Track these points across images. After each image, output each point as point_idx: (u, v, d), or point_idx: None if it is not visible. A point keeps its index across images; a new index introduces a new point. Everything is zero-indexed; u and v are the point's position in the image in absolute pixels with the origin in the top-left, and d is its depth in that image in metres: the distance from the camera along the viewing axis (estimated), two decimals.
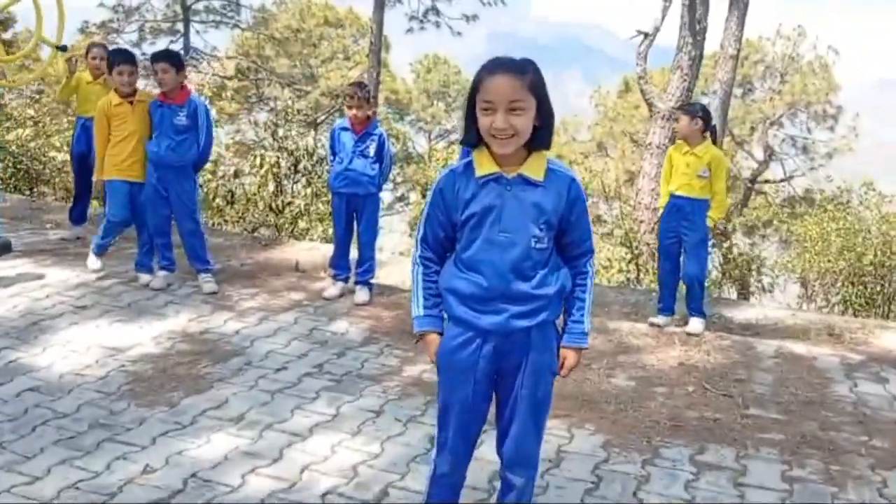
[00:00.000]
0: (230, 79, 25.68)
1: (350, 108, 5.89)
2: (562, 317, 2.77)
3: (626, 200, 12.76)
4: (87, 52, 7.50)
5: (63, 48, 7.33)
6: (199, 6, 27.28)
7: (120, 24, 27.31)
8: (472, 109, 2.56)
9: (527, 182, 2.58)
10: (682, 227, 5.82)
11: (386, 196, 26.28)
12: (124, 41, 27.61)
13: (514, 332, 2.63)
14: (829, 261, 10.28)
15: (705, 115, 5.79)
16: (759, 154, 27.72)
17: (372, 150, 5.98)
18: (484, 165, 2.59)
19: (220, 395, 4.34)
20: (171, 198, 6.05)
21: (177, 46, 27.11)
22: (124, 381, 4.48)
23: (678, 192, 5.82)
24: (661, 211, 6.04)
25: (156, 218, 6.12)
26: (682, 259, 5.95)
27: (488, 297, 2.61)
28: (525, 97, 2.47)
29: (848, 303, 10.34)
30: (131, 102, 5.98)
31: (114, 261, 6.70)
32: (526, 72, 2.49)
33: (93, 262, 6.28)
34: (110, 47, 7.45)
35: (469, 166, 2.64)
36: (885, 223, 10.05)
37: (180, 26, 27.25)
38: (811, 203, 17.51)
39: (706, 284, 5.97)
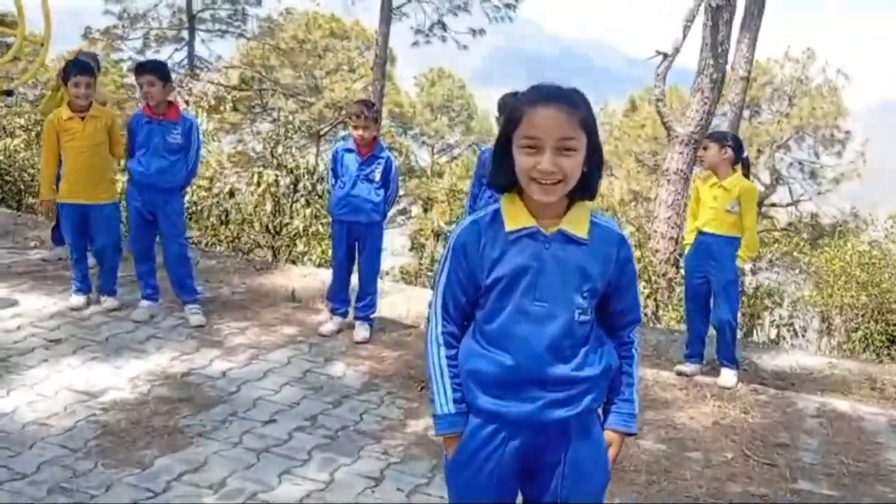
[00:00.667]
0: (234, 88, 25.28)
1: (356, 128, 5.39)
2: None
3: (639, 227, 12.24)
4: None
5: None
6: (206, 15, 26.93)
7: (124, 31, 26.96)
8: (506, 145, 2.07)
9: (569, 239, 2.09)
10: (711, 266, 5.32)
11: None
12: (128, 48, 27.29)
13: (549, 425, 2.12)
14: (851, 296, 9.76)
15: (736, 143, 5.29)
16: (766, 177, 27.30)
17: (378, 175, 5.48)
18: (516, 217, 2.10)
19: (199, 455, 3.81)
20: (158, 221, 5.54)
21: (181, 55, 26.76)
22: (93, 434, 3.96)
23: (706, 229, 5.32)
24: (687, 248, 5.53)
25: (141, 243, 5.62)
26: (710, 301, 5.44)
27: (518, 382, 2.10)
28: (577, 135, 2.00)
29: (869, 340, 9.84)
30: (83, 118, 5.47)
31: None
32: (578, 105, 2.02)
33: (75, 300, 5.74)
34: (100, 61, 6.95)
35: (497, 217, 2.14)
36: None
37: (185, 34, 26.90)
38: (829, 232, 16.96)
39: (738, 329, 5.45)
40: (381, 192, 5.53)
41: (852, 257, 10.26)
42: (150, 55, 25.59)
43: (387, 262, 15.11)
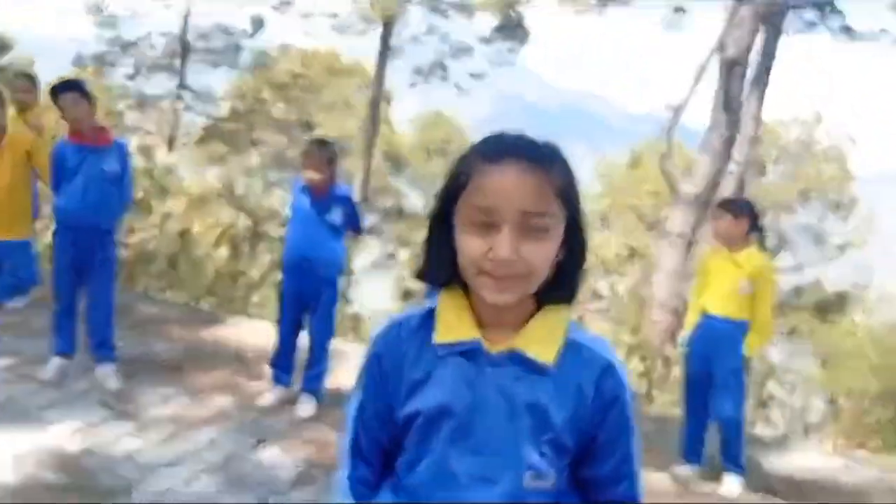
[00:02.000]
0: (224, 120, 24.66)
1: (306, 168, 4.64)
2: None
3: (634, 293, 11.47)
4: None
5: None
6: (199, 45, 26.42)
7: (116, 59, 26.42)
8: (444, 219, 1.38)
9: (523, 365, 1.38)
10: (715, 354, 4.51)
11: (375, 251, 25.21)
12: (119, 76, 26.72)
13: None
14: (864, 380, 8.99)
15: (752, 214, 4.54)
16: (771, 240, 26.74)
17: (337, 217, 4.70)
18: (451, 324, 1.41)
19: None
20: (89, 267, 4.73)
21: (172, 84, 26.18)
22: None
23: (712, 311, 4.53)
24: (688, 330, 4.74)
25: (68, 295, 4.78)
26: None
27: None
28: (551, 209, 1.33)
29: (880, 424, 9.05)
30: None
31: (9, 335, 5.39)
32: (552, 163, 1.33)
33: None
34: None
35: (428, 320, 1.43)
36: None
37: (178, 62, 26.36)
38: (834, 301, 16.25)
39: (743, 427, 4.65)
40: (341, 241, 4.77)
41: (863, 336, 9.51)
42: (139, 82, 25.03)
43: (370, 307, 14.33)
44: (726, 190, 10.39)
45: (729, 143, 9.63)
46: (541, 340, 1.39)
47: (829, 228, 25.93)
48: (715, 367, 4.53)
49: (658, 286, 9.54)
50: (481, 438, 1.37)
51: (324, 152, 4.59)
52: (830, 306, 15.23)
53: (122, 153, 4.74)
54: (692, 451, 4.67)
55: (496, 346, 1.38)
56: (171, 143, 10.51)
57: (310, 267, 4.70)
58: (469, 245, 1.32)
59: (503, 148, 1.33)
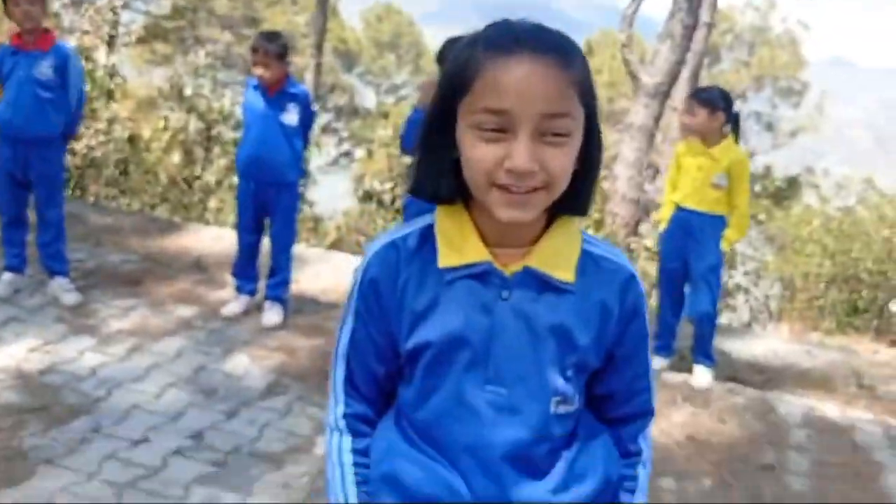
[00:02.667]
0: (166, 18, 23.62)
1: (255, 65, 4.38)
2: None
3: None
4: None
5: None
6: None
7: None
8: (444, 124, 1.21)
9: (542, 284, 1.25)
10: (691, 249, 4.49)
11: (330, 151, 24.79)
12: None
13: None
14: (818, 265, 9.16)
15: (728, 105, 4.43)
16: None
17: (293, 117, 4.49)
18: (457, 245, 1.26)
19: (41, 492, 2.92)
20: (32, 180, 4.49)
21: None
22: None
23: (686, 204, 4.47)
24: (662, 225, 4.71)
25: (10, 205, 4.55)
26: (685, 288, 4.66)
27: None
28: (573, 109, 1.16)
29: (834, 307, 9.29)
30: None
31: None
32: (573, 56, 1.17)
33: None
34: None
35: (428, 239, 1.29)
36: (887, 227, 8.92)
37: None
38: (785, 189, 16.43)
39: (717, 322, 4.67)
40: (298, 142, 4.58)
41: (821, 223, 9.64)
42: None
43: (329, 206, 14.17)
44: (681, 78, 10.26)
45: (689, 31, 9.43)
46: (558, 257, 1.26)
47: (781, 114, 26.14)
48: (693, 262, 4.50)
49: (619, 179, 9.49)
50: (502, 367, 1.25)
51: (273, 46, 4.31)
52: (783, 192, 15.41)
53: (60, 58, 4.43)
54: (664, 344, 4.70)
55: (509, 267, 1.25)
56: (111, 44, 9.99)
57: (266, 170, 4.51)
58: (478, 155, 1.15)
59: (516, 38, 1.15)
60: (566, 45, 1.17)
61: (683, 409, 4.22)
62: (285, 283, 4.75)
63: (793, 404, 4.46)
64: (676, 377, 4.57)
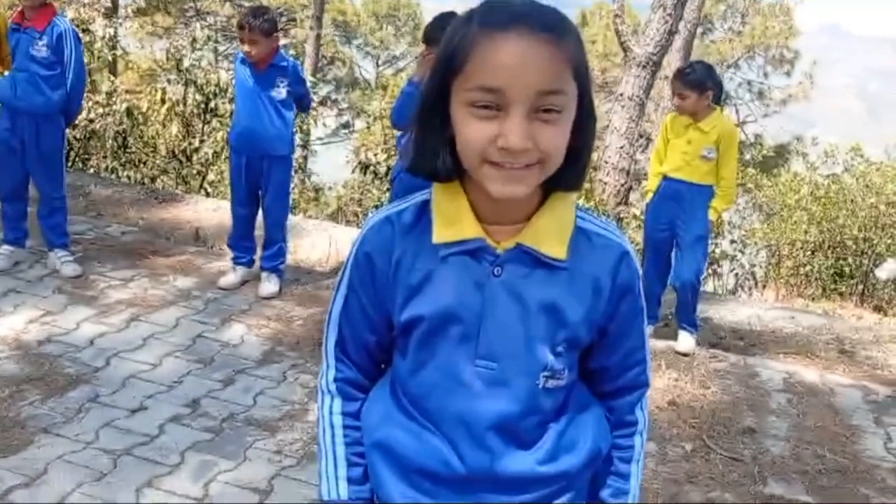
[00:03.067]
0: None
1: (242, 42, 4.45)
2: None
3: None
4: None
5: None
6: None
7: None
8: (439, 101, 1.23)
9: (534, 261, 1.28)
10: (678, 218, 4.58)
11: (329, 122, 24.75)
12: None
13: None
14: (805, 232, 9.25)
15: (714, 80, 4.49)
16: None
17: (283, 91, 4.57)
18: (452, 221, 1.29)
19: (38, 460, 3.03)
20: (28, 153, 4.58)
21: None
22: None
23: (675, 175, 4.55)
24: (649, 196, 4.79)
25: (8, 179, 4.64)
26: (673, 255, 4.76)
27: (455, 479, 1.33)
28: (566, 86, 1.18)
29: (818, 274, 9.41)
30: None
31: None
32: (567, 32, 1.19)
33: None
34: None
35: (423, 215, 1.32)
36: (873, 195, 9.01)
37: None
38: (773, 156, 16.48)
39: (700, 289, 4.78)
40: (290, 115, 4.65)
41: (808, 191, 9.72)
42: None
43: (330, 176, 14.19)
44: (674, 48, 10.27)
45: (681, 1, 9.44)
46: (551, 234, 1.28)
47: (773, 83, 26.09)
48: (680, 232, 4.58)
49: (610, 148, 9.55)
50: (492, 342, 1.28)
51: (259, 23, 4.37)
52: (772, 160, 15.45)
53: (53, 37, 4.49)
54: (650, 313, 4.78)
55: (502, 244, 1.27)
56: (110, 15, 9.99)
57: (256, 144, 4.61)
58: (472, 132, 1.17)
59: (511, 16, 1.15)
60: (560, 23, 1.18)
61: (666, 374, 4.33)
62: (281, 254, 4.84)
63: (774, 369, 4.58)
64: (660, 343, 4.68)
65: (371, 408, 1.41)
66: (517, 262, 1.27)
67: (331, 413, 1.41)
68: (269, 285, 4.79)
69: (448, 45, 1.20)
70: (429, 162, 1.25)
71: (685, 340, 4.65)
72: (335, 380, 1.42)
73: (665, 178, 4.60)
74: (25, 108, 4.49)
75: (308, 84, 4.90)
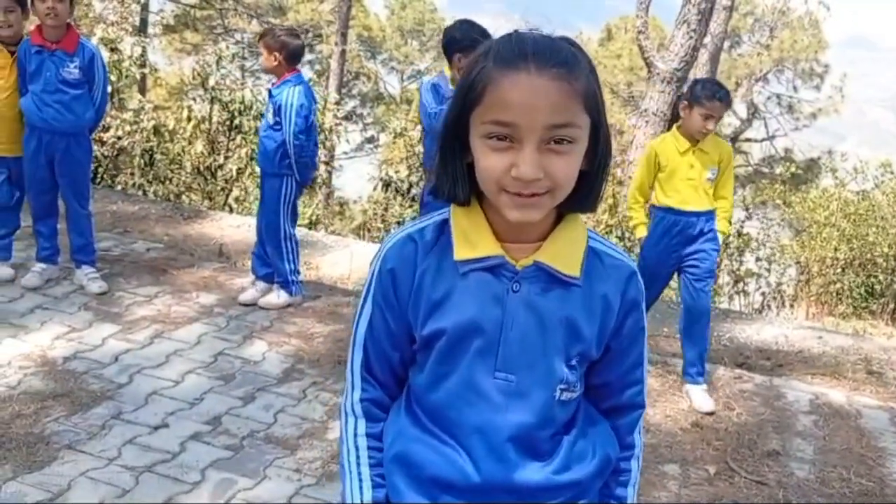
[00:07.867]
0: (194, 7, 23.76)
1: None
2: None
3: (610, 172, 11.43)
4: None
5: None
6: None
7: None
8: (459, 128, 1.30)
9: (550, 278, 1.35)
10: (686, 248, 4.18)
11: (355, 137, 24.90)
12: None
13: None
14: (835, 249, 9.14)
15: (727, 102, 4.10)
16: (743, 111, 26.63)
17: (273, 116, 4.67)
18: (471, 239, 1.35)
19: (61, 477, 3.06)
20: (59, 172, 4.63)
21: None
22: None
23: (686, 208, 4.13)
24: (641, 231, 4.34)
25: (40, 198, 4.71)
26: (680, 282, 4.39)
27: (472, 489, 1.37)
28: (577, 119, 1.25)
29: (849, 292, 9.29)
30: (12, 52, 4.56)
31: None
32: (578, 69, 1.24)
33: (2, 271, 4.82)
34: None
35: (443, 233, 1.38)
36: None
37: None
38: (803, 169, 16.31)
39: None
40: (276, 136, 4.60)
41: (834, 203, 9.61)
42: None
43: (355, 190, 14.25)
44: (700, 62, 10.20)
45: (706, 15, 9.38)
46: (566, 253, 1.35)
47: (802, 96, 25.89)
48: (693, 261, 4.20)
49: (634, 164, 9.49)
50: (511, 355, 1.34)
51: (269, 41, 4.48)
52: (802, 175, 15.29)
53: (85, 59, 4.57)
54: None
55: (520, 261, 1.34)
56: (138, 34, 10.14)
57: (260, 161, 4.79)
58: (488, 163, 1.25)
59: (523, 52, 1.22)
60: (572, 57, 1.24)
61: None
62: (277, 269, 4.80)
63: (800, 390, 4.52)
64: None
65: (387, 424, 1.46)
66: (535, 279, 1.34)
67: (356, 435, 1.45)
68: (271, 297, 4.82)
69: (467, 79, 1.27)
70: (450, 188, 1.34)
71: (701, 396, 4.19)
72: (361, 400, 1.46)
73: (670, 211, 4.18)
74: (56, 129, 4.55)
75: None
